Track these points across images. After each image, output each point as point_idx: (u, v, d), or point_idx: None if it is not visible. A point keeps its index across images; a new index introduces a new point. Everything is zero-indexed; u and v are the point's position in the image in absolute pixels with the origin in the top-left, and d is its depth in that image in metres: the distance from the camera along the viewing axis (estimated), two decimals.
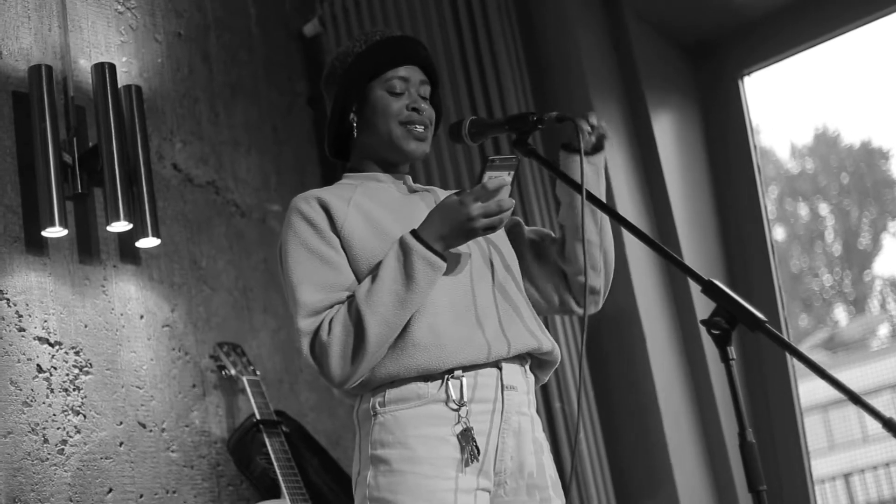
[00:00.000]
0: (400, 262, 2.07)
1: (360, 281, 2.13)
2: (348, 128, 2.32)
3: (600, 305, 2.41)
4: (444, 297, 2.13)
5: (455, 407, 2.09)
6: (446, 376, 2.09)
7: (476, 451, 2.07)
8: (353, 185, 2.29)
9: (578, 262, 2.32)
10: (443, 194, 2.34)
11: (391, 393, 2.10)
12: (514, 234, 2.41)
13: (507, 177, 2.07)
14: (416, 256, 2.05)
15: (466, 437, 2.07)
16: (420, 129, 2.27)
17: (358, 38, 2.34)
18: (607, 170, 3.80)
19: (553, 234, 2.42)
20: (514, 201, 2.08)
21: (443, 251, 2.08)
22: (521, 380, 2.18)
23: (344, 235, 2.17)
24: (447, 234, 2.08)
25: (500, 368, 2.14)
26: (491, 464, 2.11)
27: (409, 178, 2.36)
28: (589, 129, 2.26)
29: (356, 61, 2.30)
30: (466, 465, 2.07)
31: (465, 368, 2.10)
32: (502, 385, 2.13)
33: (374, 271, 2.09)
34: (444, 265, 2.08)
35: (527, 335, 2.19)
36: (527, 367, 2.22)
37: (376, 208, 2.21)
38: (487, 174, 2.05)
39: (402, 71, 2.29)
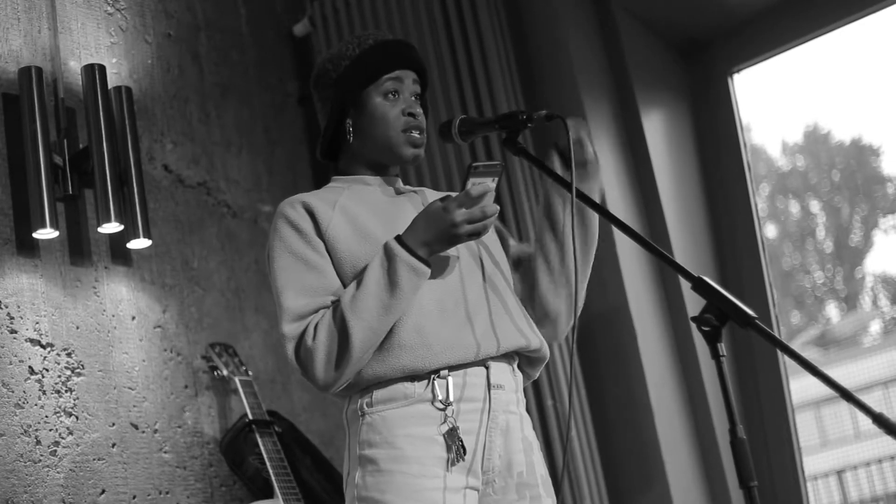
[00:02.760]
0: (384, 268, 2.08)
1: (344, 284, 2.14)
2: (343, 133, 2.32)
3: (558, 336, 2.36)
4: (432, 297, 2.13)
5: (441, 406, 2.10)
6: (432, 376, 2.10)
7: (462, 451, 2.08)
8: (340, 189, 2.30)
9: (539, 286, 2.33)
10: (432, 195, 2.35)
11: (378, 393, 2.11)
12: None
13: (490, 183, 2.08)
14: (400, 263, 2.06)
15: (452, 437, 2.08)
16: (418, 134, 2.28)
17: (350, 42, 2.33)
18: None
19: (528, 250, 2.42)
20: (498, 207, 2.09)
21: (427, 257, 2.09)
22: (508, 378, 2.19)
23: (328, 238, 2.17)
24: (431, 241, 2.09)
25: (488, 367, 2.15)
26: (479, 463, 2.11)
27: (399, 181, 2.37)
28: (574, 138, 2.24)
29: (350, 67, 2.29)
30: (453, 464, 2.08)
31: (452, 368, 2.11)
32: (489, 384, 2.14)
33: (359, 277, 2.10)
34: (428, 271, 2.09)
35: (516, 333, 2.19)
36: (514, 365, 2.23)
37: (362, 211, 2.22)
38: (471, 181, 2.06)
39: (396, 73, 2.29)
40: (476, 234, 2.09)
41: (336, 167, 2.40)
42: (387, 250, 2.09)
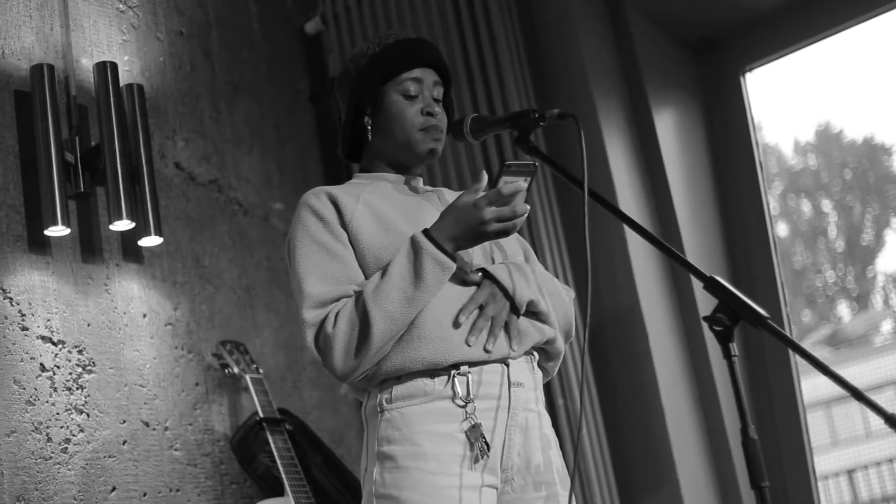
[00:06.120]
0: (410, 260, 2.08)
1: (366, 275, 2.14)
2: (362, 130, 2.32)
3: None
4: (451, 292, 2.13)
5: (462, 403, 2.09)
6: (452, 372, 2.09)
7: (486, 448, 2.07)
8: (363, 184, 2.30)
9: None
10: (450, 195, 2.35)
11: (398, 389, 2.11)
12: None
13: (522, 183, 2.07)
14: (426, 256, 2.06)
15: (476, 434, 2.07)
16: (436, 133, 2.28)
17: (372, 41, 2.35)
18: (609, 169, 3.82)
19: None
20: (528, 207, 2.09)
21: (453, 252, 2.09)
22: (528, 376, 2.18)
23: (352, 230, 2.17)
24: (459, 236, 2.08)
25: (507, 365, 2.14)
26: (497, 460, 2.11)
27: (420, 181, 2.37)
28: None
29: (370, 64, 2.30)
30: (476, 461, 2.07)
31: (472, 364, 2.10)
32: (509, 382, 2.14)
33: (385, 268, 2.10)
34: (453, 266, 2.09)
35: (532, 330, 2.19)
36: (534, 363, 2.22)
37: (385, 206, 2.22)
38: (503, 179, 2.06)
39: (416, 73, 2.29)
40: (504, 233, 2.09)
41: (356, 165, 2.41)
42: (413, 243, 2.09)
